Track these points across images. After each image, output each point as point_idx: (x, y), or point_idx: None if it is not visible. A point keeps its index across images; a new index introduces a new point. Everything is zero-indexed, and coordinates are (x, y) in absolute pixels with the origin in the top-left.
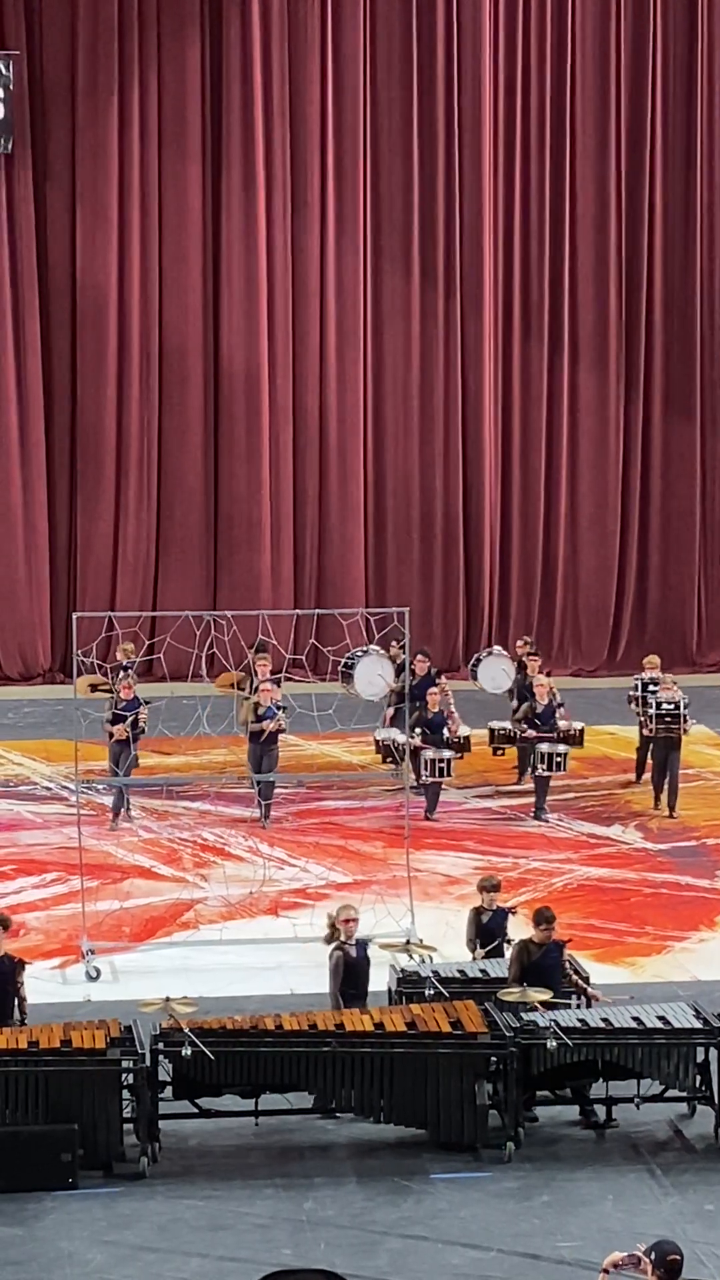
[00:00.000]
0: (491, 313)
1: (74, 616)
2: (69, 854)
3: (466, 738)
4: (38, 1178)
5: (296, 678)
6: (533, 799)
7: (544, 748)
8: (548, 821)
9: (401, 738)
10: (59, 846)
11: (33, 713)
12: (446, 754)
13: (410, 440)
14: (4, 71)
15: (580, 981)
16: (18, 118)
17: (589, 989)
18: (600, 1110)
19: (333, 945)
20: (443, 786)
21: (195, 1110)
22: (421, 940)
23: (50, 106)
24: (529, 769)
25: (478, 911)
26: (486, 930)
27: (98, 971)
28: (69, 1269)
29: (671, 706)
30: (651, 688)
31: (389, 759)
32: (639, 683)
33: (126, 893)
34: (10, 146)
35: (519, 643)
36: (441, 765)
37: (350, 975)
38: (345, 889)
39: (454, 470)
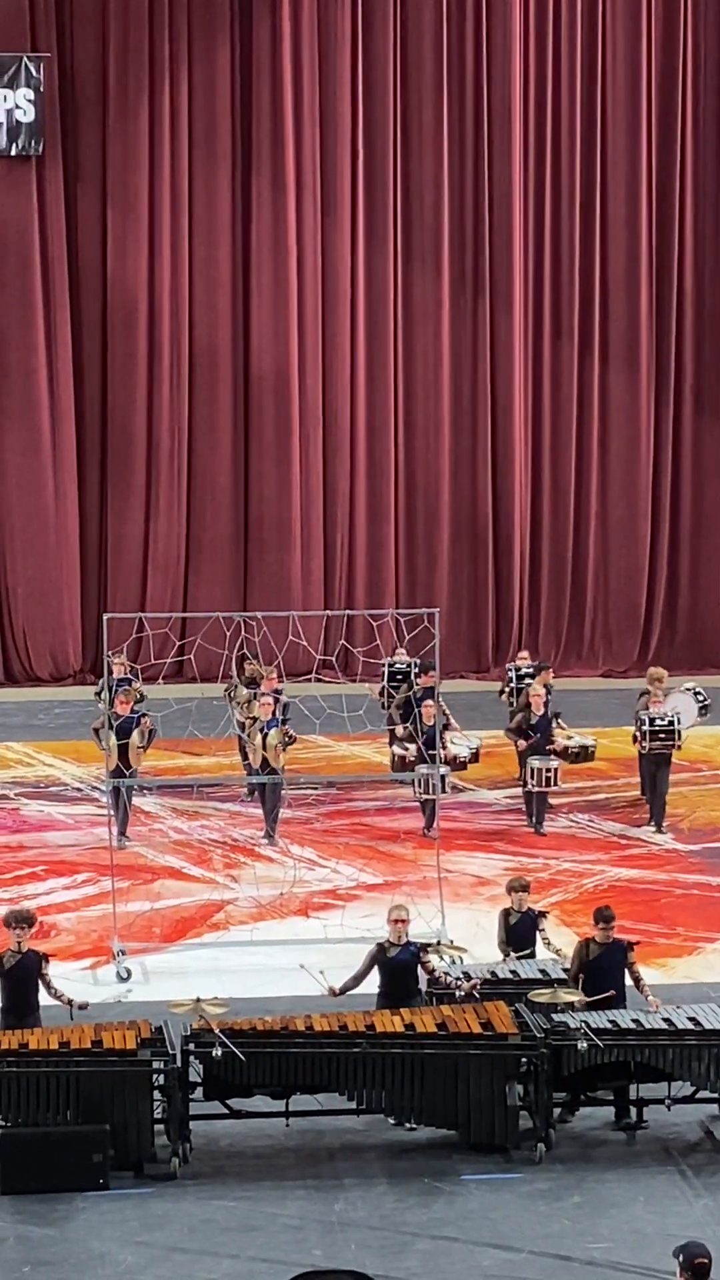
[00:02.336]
0: (522, 313)
1: (104, 617)
2: (100, 855)
3: (476, 751)
4: (69, 1178)
5: (327, 678)
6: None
7: (535, 762)
8: (545, 835)
9: (399, 750)
10: (90, 847)
11: (63, 714)
12: (443, 769)
13: (440, 441)
14: (35, 73)
15: (645, 988)
16: (49, 119)
17: (651, 996)
18: (631, 1111)
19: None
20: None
21: (226, 1111)
22: (452, 941)
23: (81, 108)
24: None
25: (506, 913)
26: (515, 931)
27: (128, 972)
28: (100, 1270)
29: (665, 722)
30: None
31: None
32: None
33: (157, 894)
34: (41, 148)
35: (520, 655)
36: (435, 782)
37: (388, 976)
38: (376, 890)
39: (484, 471)
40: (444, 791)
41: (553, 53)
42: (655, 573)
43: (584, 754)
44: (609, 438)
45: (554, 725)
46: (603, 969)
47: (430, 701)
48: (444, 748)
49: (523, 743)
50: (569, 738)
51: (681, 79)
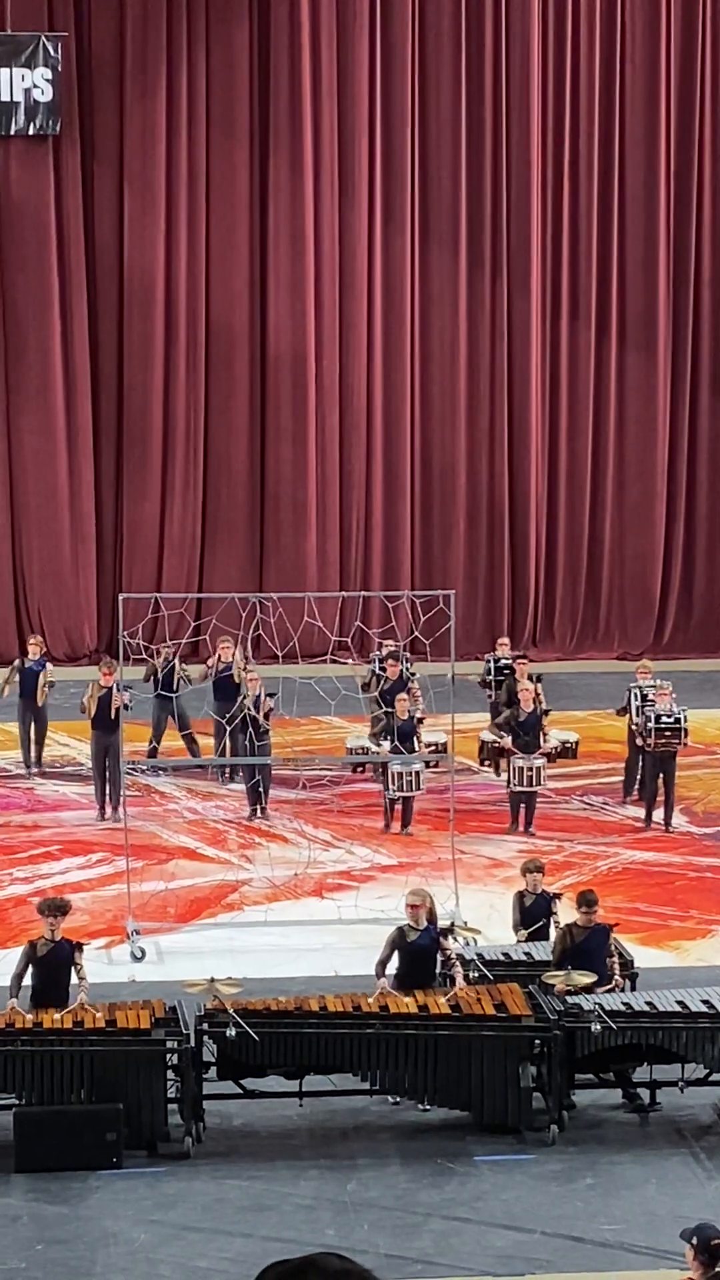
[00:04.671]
0: (538, 295)
1: (120, 598)
2: (114, 834)
3: (444, 745)
4: (83, 1157)
5: (342, 660)
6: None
7: (518, 762)
8: (532, 834)
9: (373, 745)
10: (105, 827)
11: (79, 694)
12: (416, 766)
13: (457, 423)
14: (52, 53)
15: (615, 966)
16: (66, 99)
17: (616, 977)
18: (644, 1094)
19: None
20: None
21: (239, 1091)
22: (466, 923)
23: (98, 88)
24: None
25: (521, 895)
26: (529, 913)
27: (143, 952)
28: (114, 1248)
29: (671, 720)
30: (651, 699)
31: (359, 769)
32: (638, 691)
33: (172, 874)
34: (58, 128)
35: (500, 641)
36: (410, 779)
37: (406, 959)
38: (390, 871)
39: (500, 453)
40: (418, 789)
41: (571, 34)
42: (670, 555)
43: (566, 750)
44: (625, 420)
45: (543, 722)
46: (586, 953)
47: (403, 695)
48: (420, 742)
49: (509, 740)
50: (547, 738)
51: (701, 62)
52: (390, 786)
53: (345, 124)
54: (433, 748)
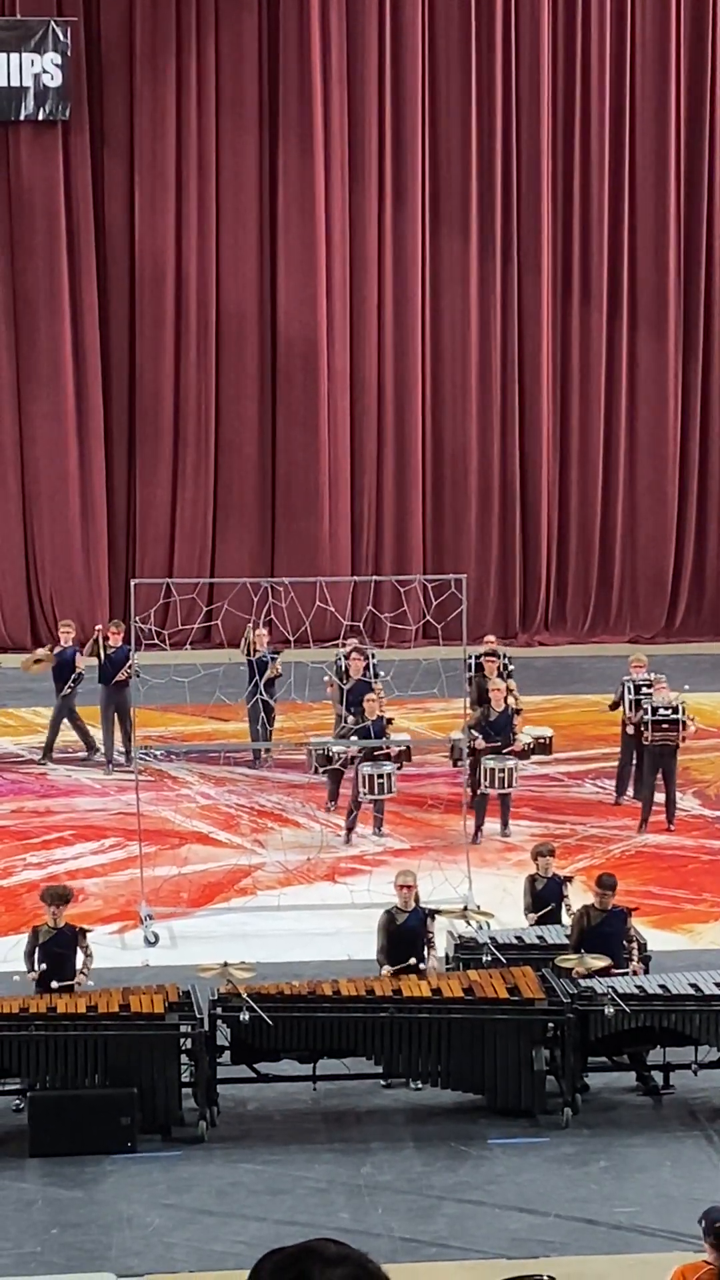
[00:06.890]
0: (549, 279)
1: (132, 584)
2: (127, 820)
3: (407, 748)
4: (97, 1141)
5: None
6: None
7: (489, 763)
8: (479, 843)
9: (336, 746)
10: (117, 812)
11: (90, 679)
12: (386, 768)
13: (468, 407)
14: (62, 38)
15: (634, 951)
16: (75, 84)
17: (634, 962)
18: (658, 1076)
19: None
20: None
21: (253, 1075)
22: (479, 906)
23: (108, 73)
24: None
25: (533, 878)
26: (540, 897)
27: (156, 936)
28: (128, 1232)
29: (669, 711)
30: (646, 690)
31: (323, 769)
32: (630, 685)
33: (185, 858)
34: (68, 113)
35: (486, 639)
36: (381, 781)
37: (395, 940)
38: (403, 855)
39: (511, 437)
40: (390, 791)
41: (581, 16)
42: (683, 538)
43: (540, 747)
44: (636, 403)
45: (515, 721)
46: (603, 936)
47: (370, 696)
48: (389, 745)
49: (481, 742)
50: (521, 733)
51: (711, 44)
52: (360, 789)
53: (355, 108)
54: (402, 748)
